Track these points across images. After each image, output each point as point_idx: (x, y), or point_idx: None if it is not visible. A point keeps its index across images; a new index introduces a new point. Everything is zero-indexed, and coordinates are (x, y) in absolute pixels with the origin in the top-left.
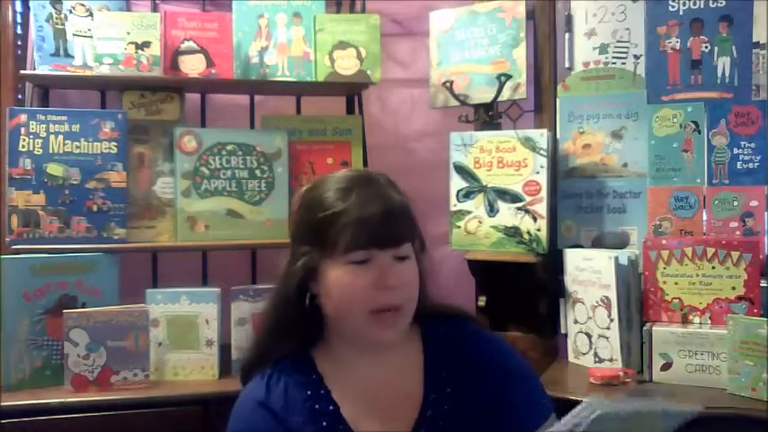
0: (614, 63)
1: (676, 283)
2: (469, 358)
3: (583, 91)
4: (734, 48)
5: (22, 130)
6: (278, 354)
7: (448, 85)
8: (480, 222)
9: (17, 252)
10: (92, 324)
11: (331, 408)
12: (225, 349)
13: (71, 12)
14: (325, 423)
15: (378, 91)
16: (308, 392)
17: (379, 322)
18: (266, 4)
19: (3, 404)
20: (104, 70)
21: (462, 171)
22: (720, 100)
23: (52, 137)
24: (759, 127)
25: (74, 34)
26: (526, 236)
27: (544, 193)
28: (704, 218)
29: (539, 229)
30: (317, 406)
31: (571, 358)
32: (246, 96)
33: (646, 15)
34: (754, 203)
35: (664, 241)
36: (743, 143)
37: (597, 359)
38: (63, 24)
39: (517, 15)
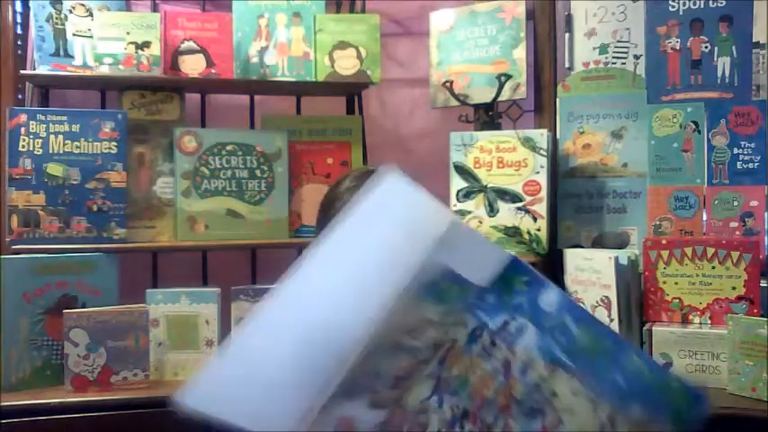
0: (614, 63)
1: (676, 283)
2: None
3: (583, 91)
4: (734, 48)
5: (22, 130)
6: None
7: (448, 85)
8: (480, 222)
9: (17, 252)
10: (92, 324)
11: None
12: None
13: (71, 12)
14: None
15: (378, 91)
16: None
17: None
18: (266, 4)
19: (3, 404)
20: (104, 70)
21: (462, 171)
22: (720, 100)
23: (52, 137)
24: (759, 127)
25: (74, 34)
26: (526, 236)
27: (544, 193)
28: (704, 218)
29: (539, 229)
30: None
31: None
32: (246, 96)
33: (646, 15)
34: (754, 203)
35: (664, 241)
36: (743, 143)
37: None
38: (63, 24)
39: (517, 15)
